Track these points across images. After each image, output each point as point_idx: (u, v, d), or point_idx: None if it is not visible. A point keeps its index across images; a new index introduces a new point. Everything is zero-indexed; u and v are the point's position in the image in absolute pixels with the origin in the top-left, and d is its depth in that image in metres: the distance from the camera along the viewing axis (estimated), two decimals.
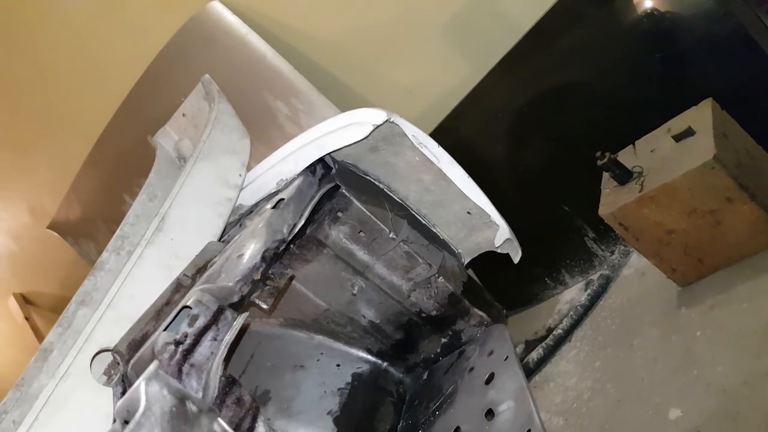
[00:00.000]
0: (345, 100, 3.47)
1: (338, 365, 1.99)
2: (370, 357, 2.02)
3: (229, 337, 1.14)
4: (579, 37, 3.16)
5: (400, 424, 1.88)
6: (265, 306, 1.30)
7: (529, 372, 3.33)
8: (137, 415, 0.75)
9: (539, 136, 3.44)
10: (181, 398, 0.83)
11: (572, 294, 3.57)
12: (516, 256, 1.85)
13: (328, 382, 1.95)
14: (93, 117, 4.05)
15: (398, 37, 3.48)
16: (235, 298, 1.25)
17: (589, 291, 3.36)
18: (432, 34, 3.43)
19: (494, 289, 3.83)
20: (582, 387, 2.99)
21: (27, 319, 5.13)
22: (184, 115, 2.06)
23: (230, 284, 1.26)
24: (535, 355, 3.33)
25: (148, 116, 3.17)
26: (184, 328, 1.11)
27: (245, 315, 1.22)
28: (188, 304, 1.16)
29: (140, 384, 0.79)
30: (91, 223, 4.26)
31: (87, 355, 1.28)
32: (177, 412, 0.80)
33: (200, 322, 1.13)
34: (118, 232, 1.68)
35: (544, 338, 3.39)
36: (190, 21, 3.59)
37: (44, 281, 5.19)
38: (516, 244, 1.82)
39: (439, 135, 3.55)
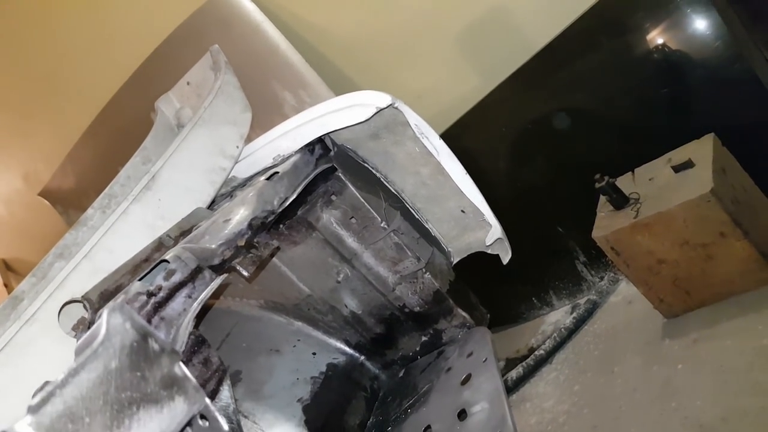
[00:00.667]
0: None
1: (314, 354, 1.95)
2: (347, 349, 1.98)
3: (204, 295, 1.10)
4: (589, 62, 3.16)
5: (371, 420, 1.84)
6: (245, 273, 1.27)
7: (507, 390, 3.28)
8: (95, 343, 0.72)
9: (541, 155, 3.43)
10: (144, 335, 0.79)
11: (558, 316, 3.54)
12: (505, 258, 1.82)
13: (302, 369, 1.92)
14: (98, 89, 4.02)
15: (412, 42, 3.48)
16: (216, 261, 1.22)
17: (574, 314, 3.34)
18: (445, 43, 3.43)
19: (480, 303, 3.80)
20: (558, 410, 2.95)
21: (6, 286, 5.04)
22: (188, 83, 2.04)
23: (213, 246, 1.23)
24: (514, 373, 3.30)
25: (154, 93, 3.15)
26: (159, 280, 1.08)
27: (224, 277, 1.19)
28: (167, 258, 1.13)
29: (103, 314, 0.76)
30: (84, 194, 4.22)
31: (57, 302, 1.24)
32: (138, 347, 0.77)
33: (176, 278, 1.10)
34: (106, 190, 1.65)
35: (525, 357, 3.35)
36: (207, 3, 3.58)
37: (29, 249, 5.11)
38: (507, 245, 1.79)
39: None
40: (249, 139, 1.91)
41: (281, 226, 1.82)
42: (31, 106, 4.52)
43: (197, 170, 1.61)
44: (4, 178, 4.94)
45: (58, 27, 4.13)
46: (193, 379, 0.80)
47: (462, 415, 1.49)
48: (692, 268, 2.65)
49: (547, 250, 3.52)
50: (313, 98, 3.38)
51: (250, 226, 1.33)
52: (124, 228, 1.41)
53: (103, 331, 0.74)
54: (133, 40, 3.84)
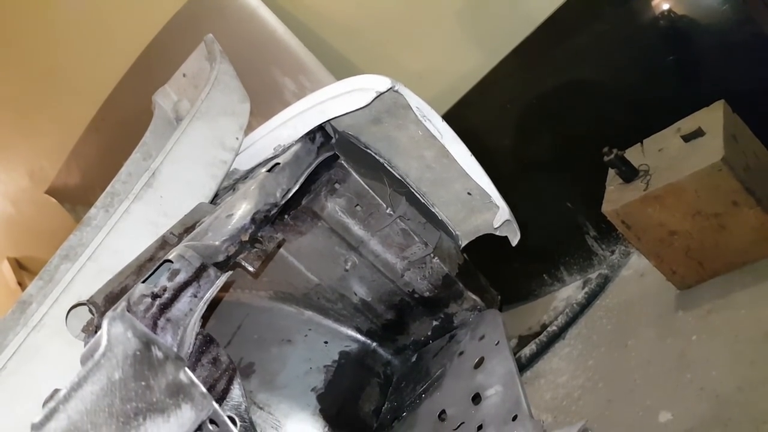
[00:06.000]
0: None
1: (326, 342, 1.95)
2: (359, 336, 1.97)
3: (210, 294, 1.09)
4: (594, 33, 3.11)
5: (385, 406, 1.84)
6: (251, 268, 1.26)
7: (521, 367, 3.29)
8: (96, 355, 0.71)
9: (547, 130, 3.38)
10: (147, 342, 0.78)
11: (569, 291, 3.52)
12: (514, 239, 1.80)
13: (315, 358, 1.91)
14: (98, 83, 4.00)
15: (411, 21, 3.43)
16: (220, 258, 1.20)
17: (586, 289, 3.32)
18: (446, 20, 3.38)
19: (491, 282, 3.78)
20: (573, 385, 2.95)
21: (20, 284, 5.07)
22: (184, 75, 2.01)
23: (216, 243, 1.22)
24: (527, 350, 3.29)
25: (154, 85, 3.12)
26: (163, 281, 1.06)
27: (228, 274, 1.17)
28: (170, 258, 1.12)
29: (103, 324, 0.75)
30: (90, 189, 4.21)
31: (63, 307, 1.24)
32: (141, 356, 0.76)
33: (181, 277, 1.09)
34: (108, 188, 1.63)
35: (537, 334, 3.34)
36: None
37: (39, 247, 5.13)
38: (515, 226, 1.77)
39: (446, 121, 3.49)
40: (250, 128, 1.89)
41: (286, 216, 1.80)
42: (31, 104, 4.51)
43: (198, 164, 1.59)
44: (10, 178, 4.94)
45: (54, 22, 4.10)
46: (200, 385, 0.79)
47: (476, 398, 1.48)
48: (705, 239, 2.62)
49: (556, 225, 3.49)
50: (313, 83, 3.34)
51: (253, 220, 1.31)
52: (127, 227, 1.40)
53: (104, 342, 0.73)
54: (130, 33, 3.81)
